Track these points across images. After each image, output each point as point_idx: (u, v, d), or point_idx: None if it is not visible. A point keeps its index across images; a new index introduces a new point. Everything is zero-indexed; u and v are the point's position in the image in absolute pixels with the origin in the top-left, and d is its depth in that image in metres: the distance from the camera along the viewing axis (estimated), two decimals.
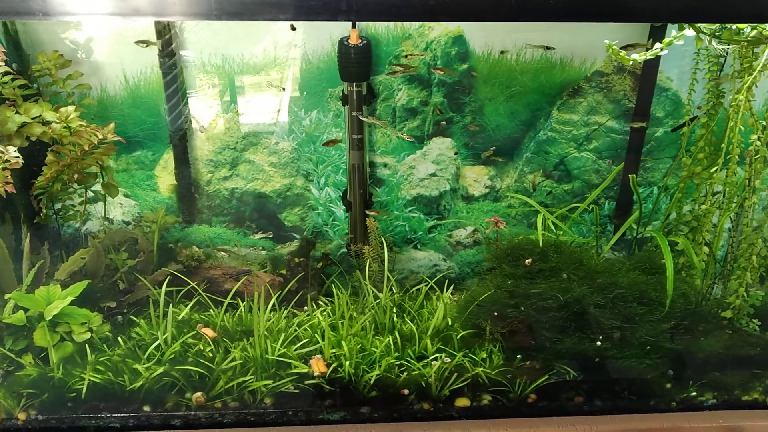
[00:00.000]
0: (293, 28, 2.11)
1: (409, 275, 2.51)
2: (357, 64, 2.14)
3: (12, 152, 1.66)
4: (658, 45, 1.86)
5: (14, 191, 1.79)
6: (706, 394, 2.13)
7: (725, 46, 1.96)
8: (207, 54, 2.21)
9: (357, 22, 2.10)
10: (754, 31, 1.83)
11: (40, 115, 1.91)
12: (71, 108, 1.93)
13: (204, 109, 2.29)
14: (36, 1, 1.30)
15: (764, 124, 2.03)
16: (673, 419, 2.07)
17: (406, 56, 2.11)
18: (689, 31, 1.84)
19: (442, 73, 2.20)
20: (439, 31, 2.24)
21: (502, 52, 2.22)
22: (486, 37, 2.23)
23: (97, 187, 2.24)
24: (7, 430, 1.95)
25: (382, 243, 2.34)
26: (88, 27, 2.12)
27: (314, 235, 2.49)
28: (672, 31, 1.91)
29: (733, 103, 2.01)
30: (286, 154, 2.39)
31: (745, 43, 1.87)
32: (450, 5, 1.32)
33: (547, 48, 2.20)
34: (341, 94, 2.25)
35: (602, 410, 2.10)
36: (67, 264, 2.11)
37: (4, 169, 1.68)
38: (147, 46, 2.07)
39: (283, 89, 2.18)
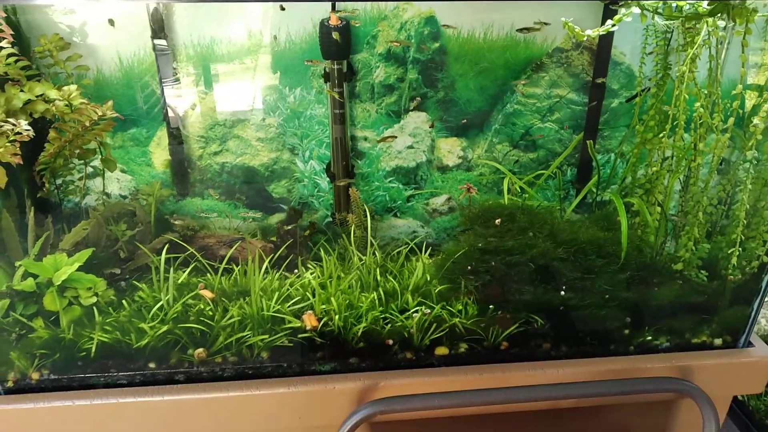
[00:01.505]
0: (282, 9, 2.26)
1: (390, 241, 2.70)
2: (337, 43, 2.31)
3: (24, 125, 1.80)
4: (609, 21, 2.07)
5: (21, 162, 1.92)
6: (660, 338, 2.34)
7: (670, 22, 2.17)
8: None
9: (336, 4, 2.27)
10: (692, 8, 2.05)
11: (44, 93, 2.04)
12: (74, 87, 2.06)
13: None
14: None
15: (706, 92, 2.25)
16: (631, 361, 2.26)
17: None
18: (636, 9, 2.05)
19: (397, 44, 2.42)
20: (413, 12, 2.41)
21: (426, 45, 2.42)
22: (455, 17, 2.42)
23: (96, 163, 2.37)
24: (21, 389, 2.08)
25: (365, 211, 2.52)
26: (84, 12, 2.25)
27: (300, 206, 2.66)
28: (622, 9, 2.12)
29: (678, 75, 2.23)
30: (272, 129, 2.55)
31: (684, 19, 2.09)
32: None
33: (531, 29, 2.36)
34: (323, 72, 2.41)
35: (568, 355, 2.29)
36: (71, 235, 2.25)
37: (14, 141, 1.81)
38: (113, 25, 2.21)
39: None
